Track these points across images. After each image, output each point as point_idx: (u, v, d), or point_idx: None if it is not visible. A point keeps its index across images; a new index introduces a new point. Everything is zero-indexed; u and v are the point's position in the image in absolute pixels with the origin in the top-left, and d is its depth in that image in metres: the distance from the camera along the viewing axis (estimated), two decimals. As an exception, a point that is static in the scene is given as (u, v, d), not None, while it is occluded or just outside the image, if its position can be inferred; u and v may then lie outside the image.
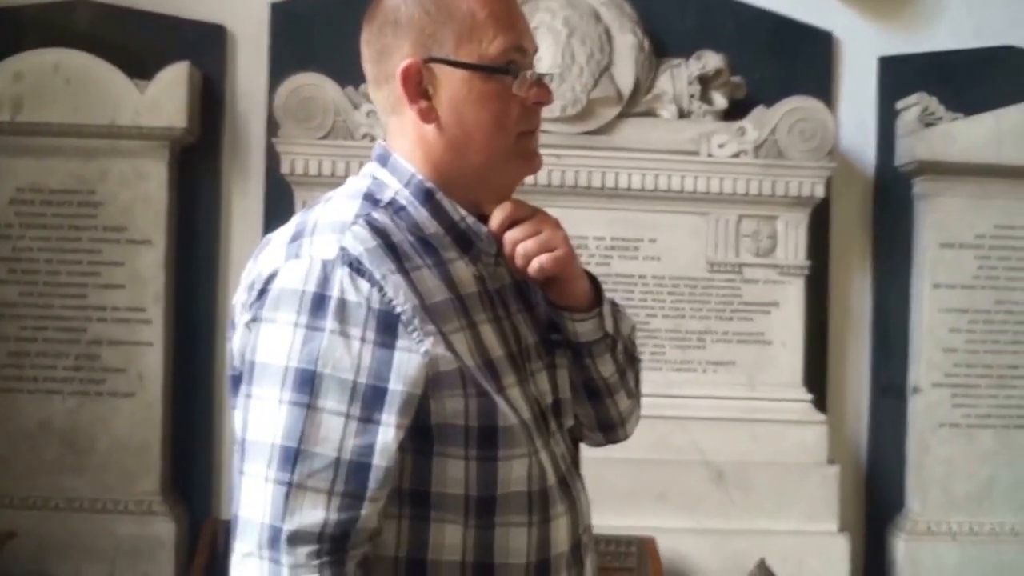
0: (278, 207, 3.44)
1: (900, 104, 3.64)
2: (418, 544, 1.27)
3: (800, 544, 3.37)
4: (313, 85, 3.42)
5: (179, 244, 3.57)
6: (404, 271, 1.26)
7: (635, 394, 1.57)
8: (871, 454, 3.70)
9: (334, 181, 3.34)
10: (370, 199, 1.34)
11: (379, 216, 1.31)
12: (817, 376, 3.60)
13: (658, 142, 3.47)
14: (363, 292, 1.23)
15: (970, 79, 3.69)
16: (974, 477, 3.60)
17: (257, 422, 1.22)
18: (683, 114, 3.51)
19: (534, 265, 1.36)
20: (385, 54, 1.35)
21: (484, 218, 1.38)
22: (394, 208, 1.34)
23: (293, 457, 1.19)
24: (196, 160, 3.60)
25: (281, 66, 3.52)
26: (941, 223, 3.61)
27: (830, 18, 3.71)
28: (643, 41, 3.50)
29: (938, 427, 3.60)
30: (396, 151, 1.37)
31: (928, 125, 3.58)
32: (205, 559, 3.21)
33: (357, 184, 1.38)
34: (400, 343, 1.23)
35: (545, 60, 3.41)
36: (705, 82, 3.52)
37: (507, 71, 1.32)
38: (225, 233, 3.65)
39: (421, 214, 1.34)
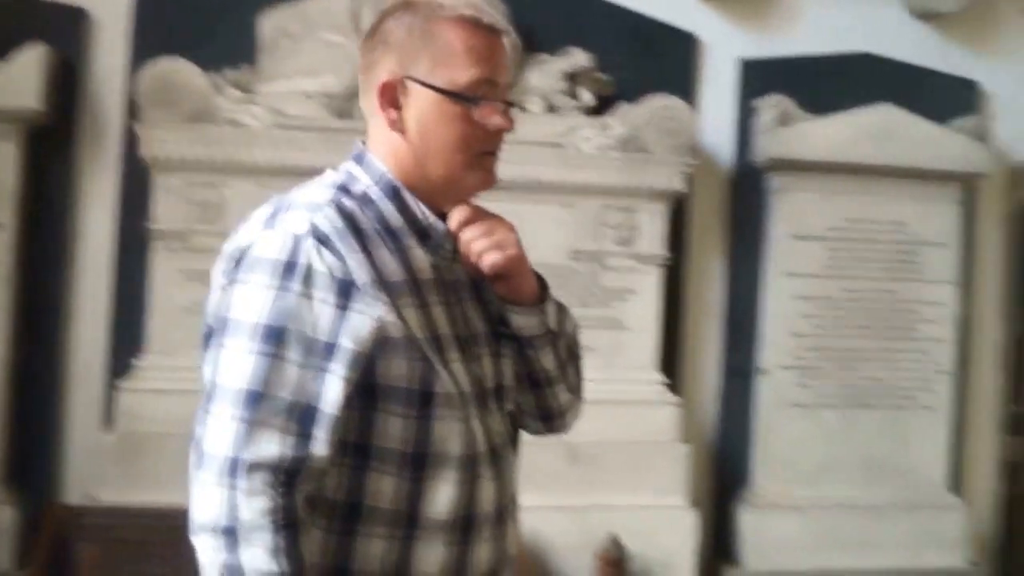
0: (134, 192, 3.50)
1: (757, 104, 3.85)
2: (357, 490, 1.47)
3: (651, 518, 3.59)
4: (176, 70, 3.43)
5: (29, 228, 3.52)
6: (366, 251, 1.47)
7: (576, 389, 1.74)
8: (721, 433, 3.94)
9: (197, 166, 3.51)
10: (343, 189, 1.54)
11: (349, 203, 1.51)
12: (671, 360, 3.80)
13: (526, 135, 3.57)
14: (327, 262, 1.44)
15: (824, 82, 3.93)
16: (817, 453, 3.87)
17: (227, 368, 1.42)
18: (551, 109, 3.68)
19: (484, 261, 1.55)
20: (372, 67, 1.56)
21: (445, 217, 1.57)
22: (364, 200, 1.54)
23: (257, 399, 1.39)
24: (50, 143, 3.56)
25: (143, 50, 3.53)
26: (793, 216, 3.86)
27: (694, 20, 3.92)
28: (513, 37, 3.66)
29: (784, 407, 3.86)
30: (371, 152, 1.58)
31: (784, 124, 3.80)
32: (47, 544, 3.24)
33: (333, 176, 1.58)
34: (355, 307, 1.44)
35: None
36: (572, 78, 3.69)
37: (471, 99, 1.53)
38: (77, 217, 3.63)
39: (387, 207, 1.54)
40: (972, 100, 4.10)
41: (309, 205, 1.49)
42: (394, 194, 1.56)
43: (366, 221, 1.51)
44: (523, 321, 1.62)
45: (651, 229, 3.70)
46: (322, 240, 1.45)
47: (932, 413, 3.99)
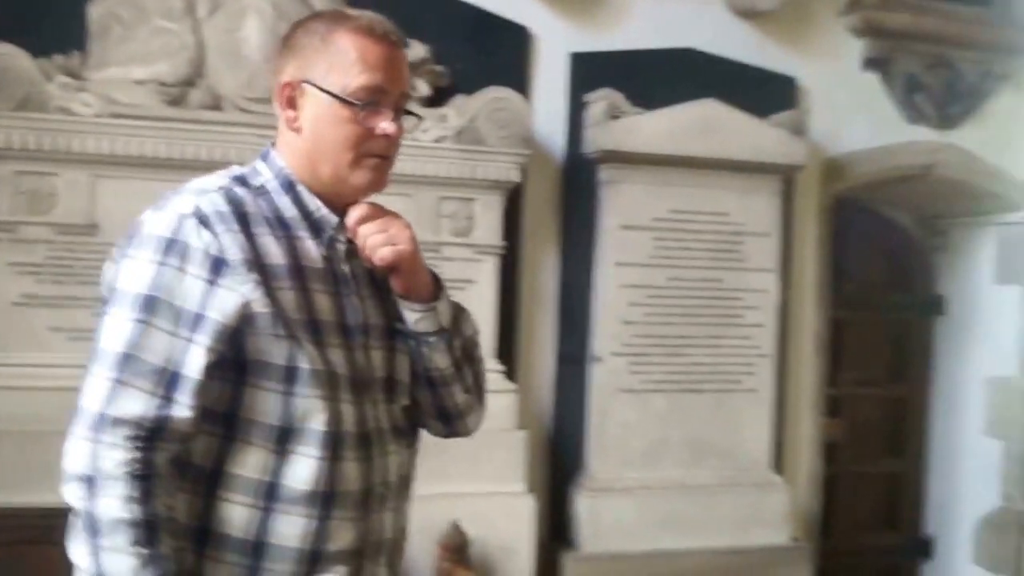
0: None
1: (588, 97, 3.96)
2: (225, 458, 1.58)
3: (491, 505, 3.67)
4: (4, 55, 3.34)
5: None
6: (248, 233, 1.59)
7: (473, 391, 1.84)
8: (556, 419, 4.04)
9: (26, 154, 3.40)
10: (239, 180, 1.68)
11: (239, 192, 1.64)
12: (507, 348, 3.88)
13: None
14: (204, 240, 1.56)
15: (651, 76, 4.06)
16: (648, 437, 4.01)
17: (107, 334, 1.54)
18: (388, 100, 3.72)
19: (377, 255, 1.66)
20: (279, 70, 1.70)
21: (342, 212, 1.69)
22: (260, 192, 1.67)
23: (127, 361, 1.52)
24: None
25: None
26: (623, 207, 3.98)
27: (527, 13, 3.99)
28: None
29: (616, 393, 3.98)
30: (275, 149, 1.72)
31: (614, 118, 3.92)
32: None
33: (237, 170, 1.71)
34: (223, 283, 1.55)
35: (252, 40, 3.56)
36: (410, 70, 3.74)
37: (358, 104, 1.63)
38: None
39: (283, 200, 1.67)
40: (790, 95, 4.31)
41: (198, 190, 1.63)
42: (289, 188, 1.69)
43: (256, 209, 1.63)
44: (416, 317, 1.72)
45: (487, 219, 3.78)
46: (202, 220, 1.58)
47: (756, 396, 4.17)
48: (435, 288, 1.76)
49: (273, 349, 1.58)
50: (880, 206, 4.99)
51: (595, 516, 3.93)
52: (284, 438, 1.60)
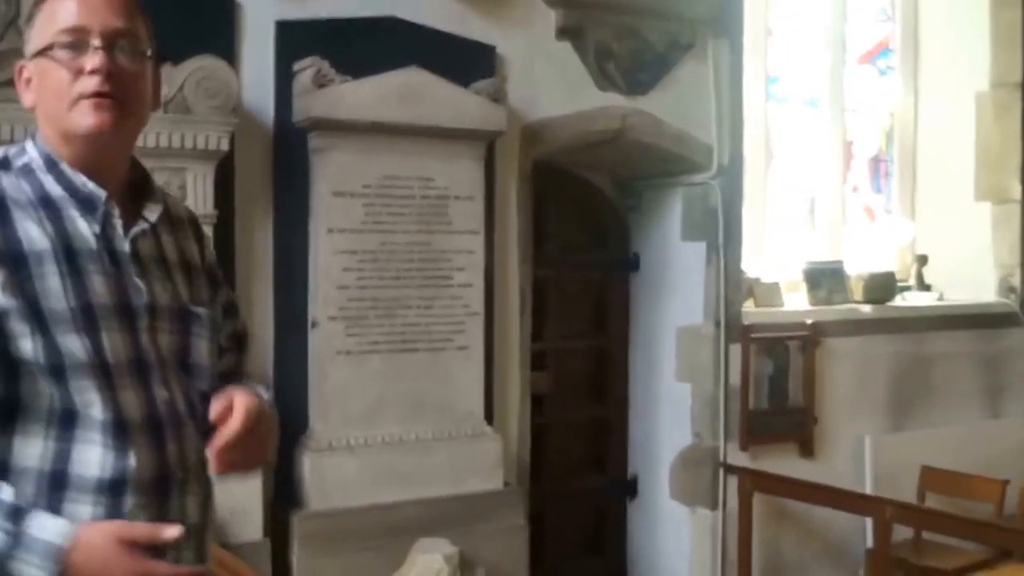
0: None
1: (296, 66, 4.11)
2: (6, 450, 1.62)
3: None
4: None
5: None
6: (4, 220, 1.60)
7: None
8: (278, 383, 4.17)
9: None
10: (3, 163, 1.68)
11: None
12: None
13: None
14: None
15: (358, 45, 4.23)
16: (367, 397, 4.23)
17: None
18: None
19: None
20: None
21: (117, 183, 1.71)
22: (24, 171, 1.68)
23: None
24: None
25: None
26: (333, 174, 4.15)
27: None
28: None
29: (335, 356, 4.18)
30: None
31: (321, 86, 4.07)
32: None
33: (2, 151, 1.72)
34: None
35: None
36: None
37: (47, 49, 1.67)
38: None
39: (47, 179, 1.68)
40: (490, 64, 4.59)
41: None
42: (51, 166, 1.70)
43: (17, 191, 1.65)
44: None
45: (199, 189, 3.86)
46: None
47: (468, 353, 4.46)
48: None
49: (29, 344, 1.59)
50: (579, 169, 5.39)
51: (319, 475, 4.13)
52: (64, 425, 1.62)
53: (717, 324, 5.37)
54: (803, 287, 6.02)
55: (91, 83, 1.66)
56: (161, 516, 1.67)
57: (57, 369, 1.60)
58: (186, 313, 1.78)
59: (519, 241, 4.82)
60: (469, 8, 4.57)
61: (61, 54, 1.65)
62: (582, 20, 4.86)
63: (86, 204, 1.68)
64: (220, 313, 1.95)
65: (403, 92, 4.22)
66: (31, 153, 1.71)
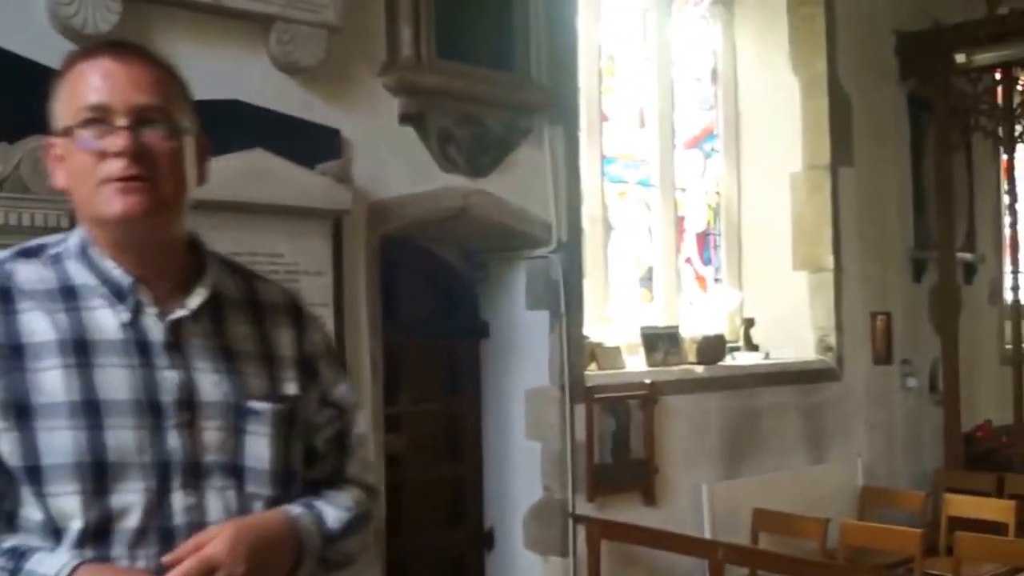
0: None
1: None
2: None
3: None
4: None
5: None
6: (4, 312, 1.35)
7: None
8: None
9: None
10: (28, 252, 1.43)
11: (13, 265, 1.39)
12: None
13: None
14: None
15: (202, 127, 3.86)
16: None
17: None
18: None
19: None
20: None
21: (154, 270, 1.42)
22: (54, 260, 1.42)
23: None
24: None
25: None
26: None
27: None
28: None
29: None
30: None
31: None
32: None
33: (44, 240, 1.46)
34: None
35: None
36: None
37: (67, 131, 1.37)
38: None
39: (74, 267, 1.41)
40: (335, 146, 4.23)
41: None
42: (81, 252, 1.43)
43: (33, 283, 1.39)
44: None
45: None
46: None
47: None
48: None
49: (5, 443, 1.33)
50: (428, 243, 5.05)
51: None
52: (53, 537, 1.34)
53: (562, 387, 5.07)
54: (641, 350, 5.73)
55: (116, 166, 1.37)
56: None
57: (33, 472, 1.33)
58: (241, 409, 1.44)
59: (368, 312, 4.43)
60: (313, 94, 4.21)
61: (84, 134, 1.37)
62: (423, 107, 4.54)
63: (116, 292, 1.41)
64: (315, 410, 1.57)
65: (248, 172, 3.84)
66: (71, 240, 1.44)
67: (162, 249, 1.46)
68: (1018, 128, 7.14)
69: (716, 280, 6.73)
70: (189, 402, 1.41)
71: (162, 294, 1.45)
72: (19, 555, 1.31)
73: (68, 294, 1.40)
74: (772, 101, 6.69)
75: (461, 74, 4.63)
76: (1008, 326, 7.33)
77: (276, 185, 3.90)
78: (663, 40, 6.35)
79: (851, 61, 6.71)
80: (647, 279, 6.30)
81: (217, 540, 1.33)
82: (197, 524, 1.38)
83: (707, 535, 5.54)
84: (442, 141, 4.61)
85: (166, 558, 1.34)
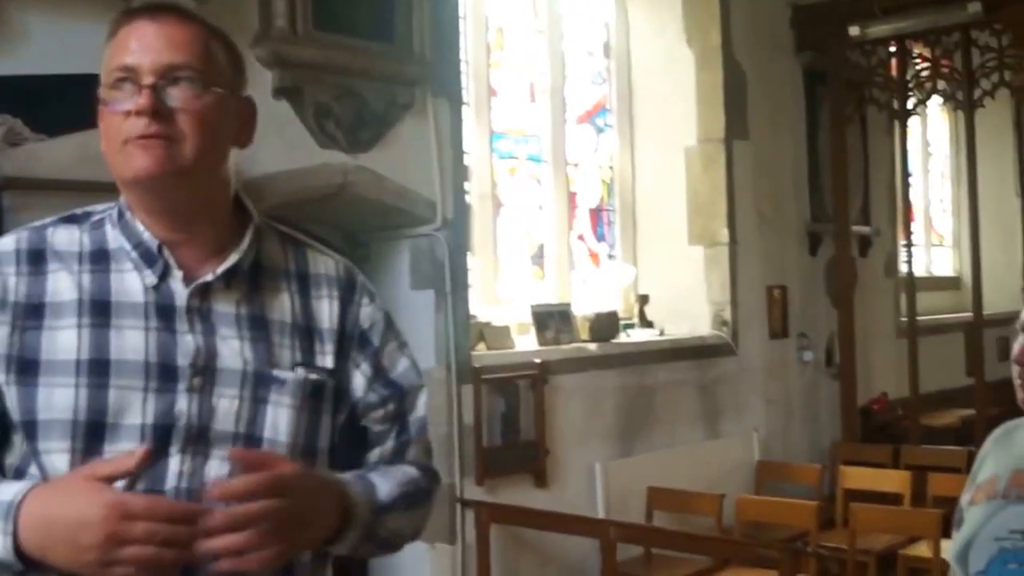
0: None
1: (-15, 124, 3.61)
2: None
3: None
4: None
5: None
6: (32, 272, 1.42)
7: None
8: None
9: None
10: (72, 217, 1.51)
11: (54, 229, 1.47)
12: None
13: None
14: None
15: (55, 102, 3.75)
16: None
17: None
18: None
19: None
20: None
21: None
22: (95, 225, 1.48)
23: None
24: None
25: None
26: (32, 234, 3.69)
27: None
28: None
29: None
30: None
31: (14, 144, 3.62)
32: None
33: (94, 207, 1.53)
34: None
35: None
36: None
37: (98, 96, 1.42)
38: None
39: (113, 232, 1.46)
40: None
41: (24, 228, 1.50)
42: (119, 217, 1.49)
43: (67, 246, 1.45)
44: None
45: None
46: None
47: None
48: (336, 521, 1.42)
49: (4, 393, 1.39)
50: (306, 223, 5.00)
51: None
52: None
53: (448, 368, 5.08)
54: (533, 329, 5.80)
55: (136, 125, 1.39)
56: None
57: (29, 426, 1.38)
58: (263, 378, 1.44)
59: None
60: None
61: (114, 95, 1.41)
62: (299, 81, 4.50)
63: (145, 255, 1.44)
64: (365, 388, 1.56)
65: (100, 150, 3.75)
66: (116, 206, 1.49)
67: (195, 212, 1.47)
68: (912, 101, 7.36)
69: (610, 257, 6.82)
70: (205, 368, 1.42)
71: (196, 259, 1.47)
72: None
73: (100, 257, 1.45)
74: (666, 75, 6.78)
75: (339, 46, 4.60)
76: (903, 299, 7.56)
77: (138, 164, 3.83)
78: (554, 13, 6.40)
79: (746, 33, 6.85)
80: (539, 257, 6.38)
81: (289, 464, 1.36)
82: (188, 490, 1.38)
83: (601, 516, 5.62)
84: (319, 116, 4.58)
85: (232, 453, 1.38)
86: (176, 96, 1.41)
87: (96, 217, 1.51)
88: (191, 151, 1.41)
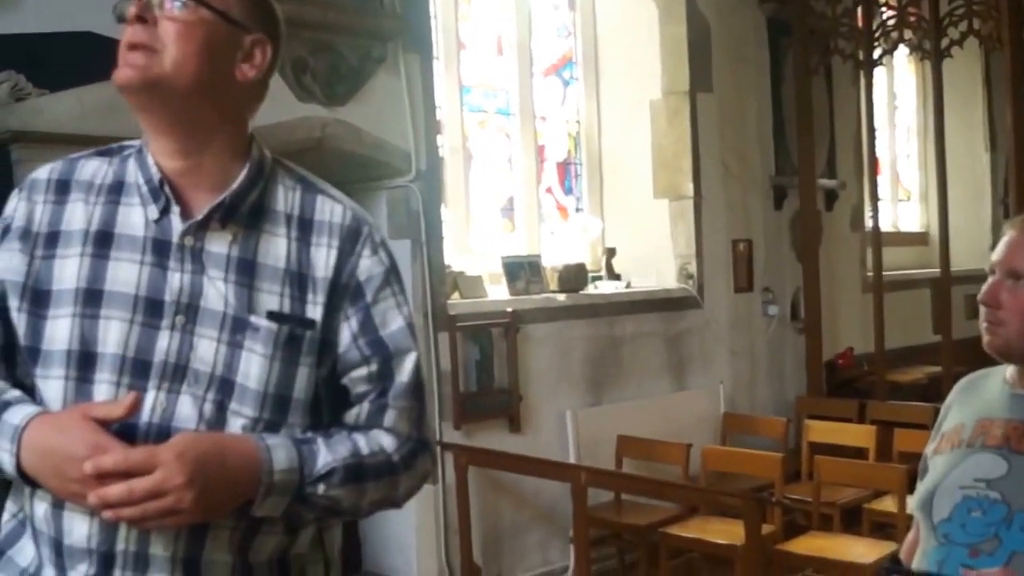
0: None
1: (-8, 80, 3.99)
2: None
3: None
4: None
5: None
6: (55, 202, 1.55)
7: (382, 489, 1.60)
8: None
9: None
10: (107, 150, 1.63)
11: (86, 161, 1.60)
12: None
13: None
14: (12, 206, 1.60)
15: (54, 59, 4.19)
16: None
17: None
18: None
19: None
20: None
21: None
22: (124, 158, 1.60)
23: None
24: None
25: None
26: (37, 184, 4.11)
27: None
28: None
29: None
30: None
31: (19, 100, 4.03)
32: None
33: (134, 141, 1.62)
34: (2, 247, 1.55)
35: None
36: None
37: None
38: None
39: (131, 165, 1.58)
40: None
41: (61, 159, 1.64)
42: (139, 151, 1.61)
43: (91, 176, 1.58)
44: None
45: None
46: (23, 188, 1.62)
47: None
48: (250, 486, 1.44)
49: (14, 320, 1.53)
50: (286, 176, 5.43)
51: None
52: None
53: (425, 315, 5.54)
54: (503, 279, 6.27)
55: (125, 34, 1.52)
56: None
57: (33, 353, 1.51)
58: (240, 323, 1.49)
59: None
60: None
61: (120, 13, 1.54)
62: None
63: (152, 190, 1.53)
64: (348, 343, 1.59)
65: (106, 105, 4.18)
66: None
67: (189, 135, 1.56)
68: (877, 51, 7.61)
69: (577, 210, 7.27)
70: (188, 307, 1.49)
71: (198, 197, 1.55)
72: (2, 406, 1.51)
73: (115, 189, 1.55)
74: (630, 27, 7.18)
75: (313, 1, 5.03)
76: (869, 253, 7.86)
77: (129, 118, 4.24)
78: (519, -35, 6.81)
79: (710, -16, 7.18)
80: (508, 209, 6.85)
81: (165, 446, 1.40)
82: (161, 426, 1.46)
83: (572, 461, 6.10)
84: (297, 70, 5.03)
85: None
86: (166, 6, 1.52)
87: (127, 151, 1.62)
88: (169, 61, 1.50)
